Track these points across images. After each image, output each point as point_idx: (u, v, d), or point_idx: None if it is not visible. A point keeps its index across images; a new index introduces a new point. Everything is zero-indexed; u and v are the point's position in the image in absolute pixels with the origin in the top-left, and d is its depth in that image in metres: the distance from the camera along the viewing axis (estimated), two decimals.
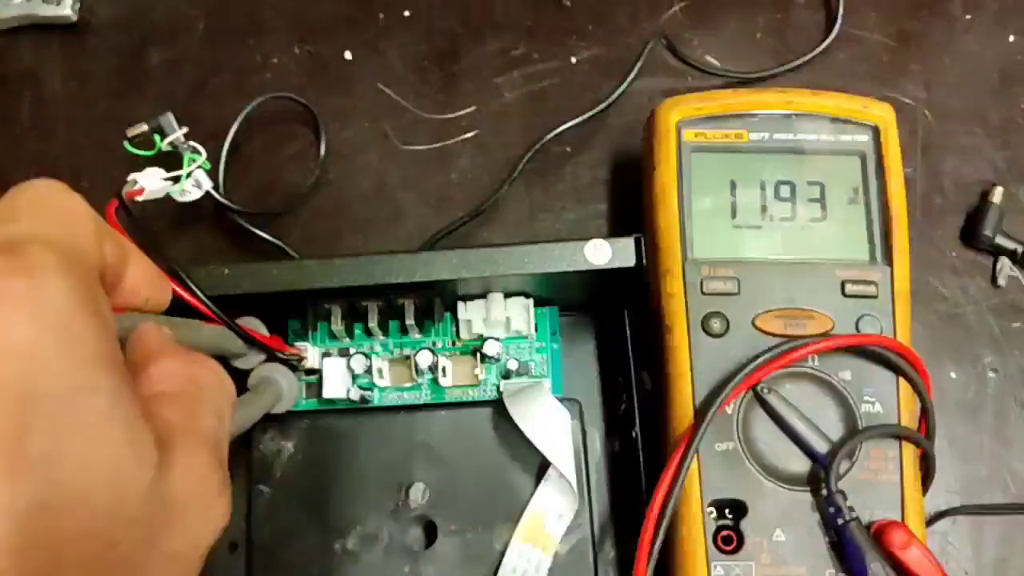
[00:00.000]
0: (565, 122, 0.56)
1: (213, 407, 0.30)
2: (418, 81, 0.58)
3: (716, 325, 0.45)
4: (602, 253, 0.41)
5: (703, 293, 0.46)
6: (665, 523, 0.42)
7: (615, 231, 0.55)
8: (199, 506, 0.27)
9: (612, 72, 0.57)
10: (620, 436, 0.50)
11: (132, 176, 0.46)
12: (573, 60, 0.58)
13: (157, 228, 0.54)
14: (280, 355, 0.44)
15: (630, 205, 0.54)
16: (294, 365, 0.46)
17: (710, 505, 0.43)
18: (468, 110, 0.57)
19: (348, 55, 0.59)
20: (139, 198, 0.46)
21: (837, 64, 0.58)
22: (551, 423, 0.44)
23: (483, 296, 0.48)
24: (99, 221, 0.28)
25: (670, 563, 0.44)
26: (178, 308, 0.38)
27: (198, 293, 0.39)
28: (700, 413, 0.44)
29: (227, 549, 0.49)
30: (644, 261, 0.41)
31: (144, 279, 0.33)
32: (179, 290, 0.39)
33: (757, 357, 0.43)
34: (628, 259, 0.41)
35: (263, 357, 0.43)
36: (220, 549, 0.49)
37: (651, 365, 0.49)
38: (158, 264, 0.38)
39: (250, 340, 0.42)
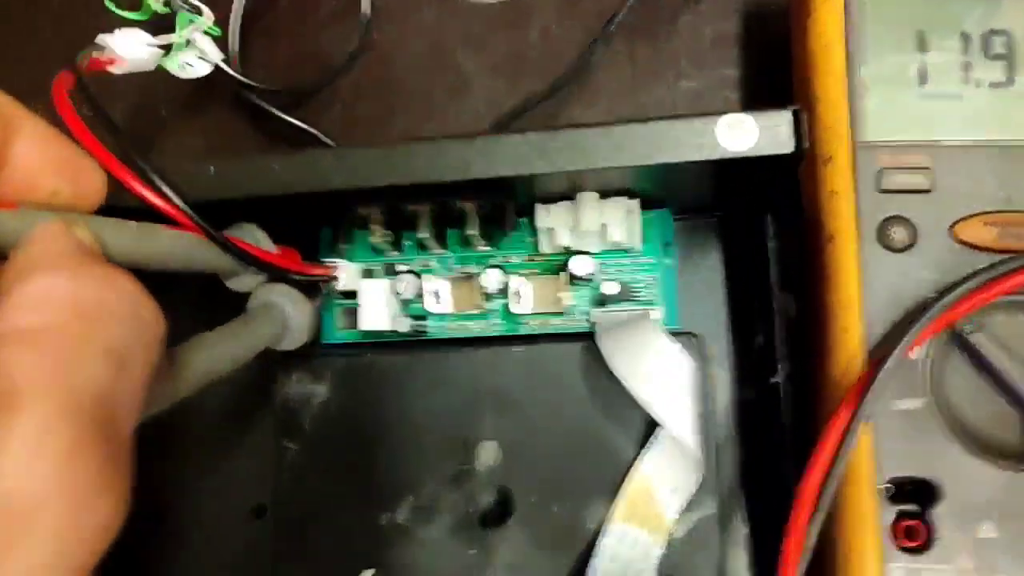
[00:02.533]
0: None
1: (102, 350, 0.19)
2: None
3: (899, 235, 0.32)
4: (743, 135, 0.28)
5: (880, 190, 0.33)
6: (823, 509, 0.30)
7: (750, 107, 0.41)
8: (56, 511, 0.18)
9: None
10: (755, 380, 0.37)
11: (100, 38, 0.35)
12: None
13: (155, 114, 0.43)
14: (296, 276, 0.33)
15: (770, 70, 0.41)
16: (317, 287, 0.35)
17: (887, 485, 0.31)
18: None
19: None
20: (113, 69, 0.35)
21: None
22: (664, 374, 0.32)
23: (571, 196, 0.35)
24: None
25: (830, 561, 0.32)
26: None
27: (161, 187, 0.28)
28: (875, 359, 0.31)
29: (251, 513, 0.40)
30: (806, 144, 0.28)
31: (46, 160, 0.22)
32: (138, 187, 0.28)
33: (960, 283, 0.30)
34: (783, 143, 0.28)
35: (262, 277, 0.32)
36: (243, 513, 0.40)
37: (798, 284, 0.36)
38: (109, 147, 0.27)
39: (245, 257, 0.31)
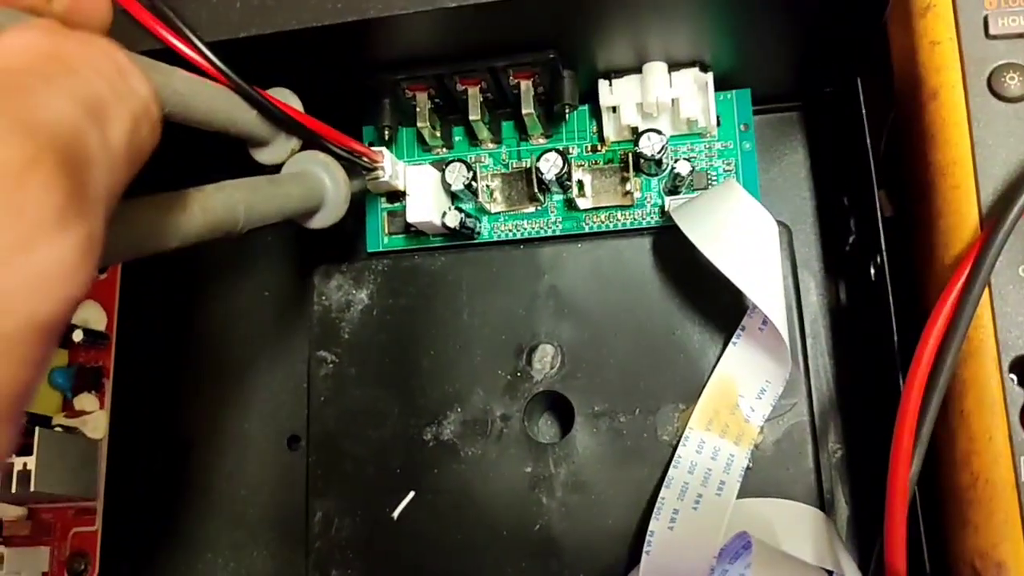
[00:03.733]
0: None
1: (71, 94, 0.17)
2: None
3: (1013, 82, 0.28)
4: None
5: (989, 36, 0.29)
6: (940, 388, 0.26)
7: None
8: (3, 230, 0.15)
9: None
10: (847, 282, 0.33)
11: None
12: None
13: None
14: (336, 148, 0.30)
15: None
16: (357, 172, 0.31)
17: (1014, 367, 0.26)
18: None
19: None
20: None
21: None
22: (747, 234, 0.28)
23: (637, 70, 0.32)
24: None
25: (948, 454, 0.27)
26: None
27: (180, 27, 0.25)
28: (992, 219, 0.27)
29: (285, 445, 0.36)
30: None
31: None
32: (153, 24, 0.25)
33: None
34: None
35: (295, 144, 0.29)
36: (277, 445, 0.36)
37: (892, 178, 0.32)
38: None
39: (278, 115, 0.27)
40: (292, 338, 0.36)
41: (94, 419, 0.35)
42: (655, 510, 0.28)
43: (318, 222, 0.30)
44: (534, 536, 0.30)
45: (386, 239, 0.35)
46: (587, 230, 0.33)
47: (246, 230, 0.25)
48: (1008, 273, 0.27)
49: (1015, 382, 0.26)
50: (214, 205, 0.24)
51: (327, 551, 0.31)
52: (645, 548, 0.28)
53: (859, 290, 0.33)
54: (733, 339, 0.30)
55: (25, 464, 0.32)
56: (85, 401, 0.35)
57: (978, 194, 0.28)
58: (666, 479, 0.29)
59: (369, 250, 0.35)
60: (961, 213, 0.28)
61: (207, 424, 0.36)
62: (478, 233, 0.34)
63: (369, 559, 0.31)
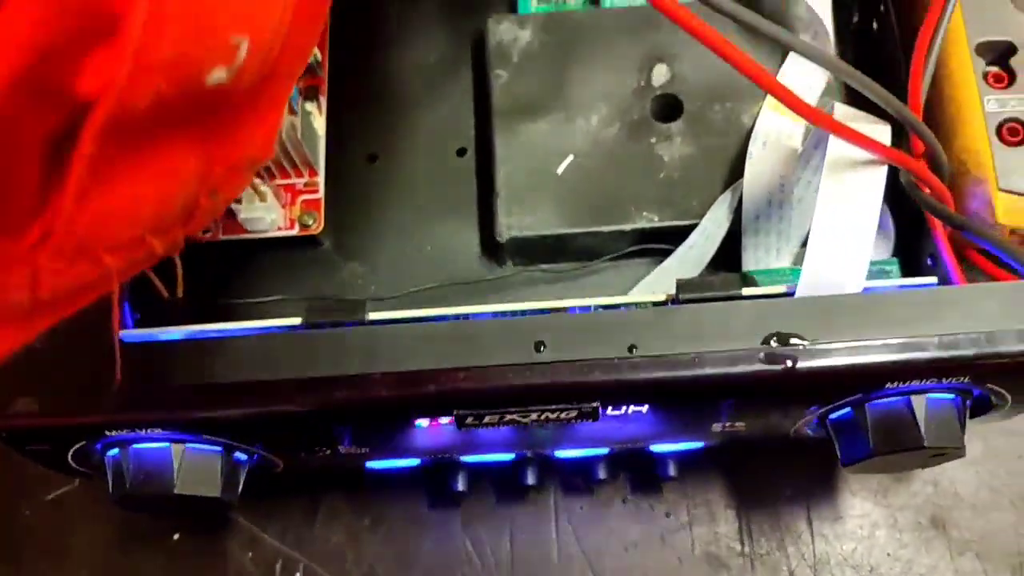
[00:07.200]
0: None
1: None
2: None
3: None
4: None
5: None
6: (934, 52, 0.41)
7: None
8: None
9: None
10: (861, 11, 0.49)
11: None
12: None
13: None
14: None
15: None
16: None
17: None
18: None
19: None
20: None
21: None
22: None
23: None
24: None
25: (939, 106, 0.43)
26: None
27: None
28: None
29: (455, 153, 0.48)
30: None
31: None
32: None
33: None
34: None
35: None
36: (448, 153, 0.48)
37: None
38: None
39: None
40: (458, 71, 0.49)
41: (316, 121, 0.46)
42: (750, 143, 0.43)
43: None
44: (658, 181, 0.44)
45: (535, 7, 0.48)
46: None
47: None
48: None
49: (979, 57, 0.42)
50: None
51: (509, 197, 0.44)
52: (747, 160, 0.42)
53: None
54: (790, 56, 0.45)
55: None
56: (310, 108, 0.47)
57: None
58: (752, 135, 0.44)
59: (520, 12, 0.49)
60: None
61: (385, 141, 0.48)
62: None
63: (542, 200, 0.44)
